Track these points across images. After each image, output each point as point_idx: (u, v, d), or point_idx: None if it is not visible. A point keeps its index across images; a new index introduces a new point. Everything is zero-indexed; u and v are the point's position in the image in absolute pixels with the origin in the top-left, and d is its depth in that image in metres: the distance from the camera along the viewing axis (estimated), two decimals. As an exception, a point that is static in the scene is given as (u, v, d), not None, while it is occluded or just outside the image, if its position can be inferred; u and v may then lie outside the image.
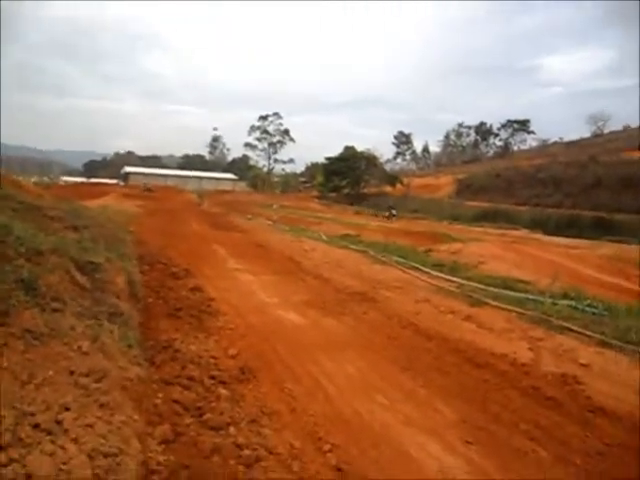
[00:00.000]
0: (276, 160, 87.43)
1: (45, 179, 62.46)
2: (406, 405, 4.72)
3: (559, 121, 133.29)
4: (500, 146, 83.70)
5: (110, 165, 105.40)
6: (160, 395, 3.99)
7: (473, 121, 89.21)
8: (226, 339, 6.03)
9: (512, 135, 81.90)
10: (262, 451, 3.48)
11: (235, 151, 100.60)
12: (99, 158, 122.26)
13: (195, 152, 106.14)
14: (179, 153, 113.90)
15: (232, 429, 3.70)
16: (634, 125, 62.07)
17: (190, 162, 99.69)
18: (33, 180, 41.47)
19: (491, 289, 9.10)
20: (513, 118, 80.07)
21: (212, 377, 4.65)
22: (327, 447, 3.74)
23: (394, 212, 38.14)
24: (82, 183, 62.47)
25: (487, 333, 6.93)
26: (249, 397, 4.47)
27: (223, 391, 4.41)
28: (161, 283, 8.39)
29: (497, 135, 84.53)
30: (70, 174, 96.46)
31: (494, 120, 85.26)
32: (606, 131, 66.68)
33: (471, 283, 9.71)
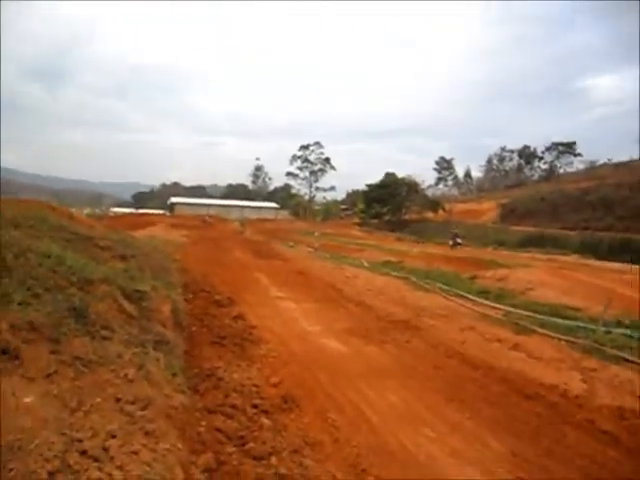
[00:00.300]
0: (317, 188, 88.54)
1: (97, 210, 64.97)
2: (453, 437, 4.57)
3: (607, 142, 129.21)
4: (545, 169, 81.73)
5: (157, 196, 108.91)
6: (203, 423, 4.00)
7: (516, 145, 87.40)
8: (268, 367, 6.03)
9: (557, 158, 79.86)
10: (305, 483, 3.43)
11: (277, 180, 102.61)
12: (147, 189, 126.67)
13: (238, 182, 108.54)
14: (223, 183, 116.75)
15: (274, 459, 3.67)
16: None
17: (233, 192, 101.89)
18: (86, 212, 43.21)
19: (539, 316, 8.81)
20: (558, 140, 78.33)
21: (254, 406, 4.64)
22: (370, 479, 3.66)
23: (459, 240, 33.78)
24: (131, 214, 64.64)
25: (536, 362, 6.67)
26: (291, 427, 4.43)
27: (265, 420, 4.39)
28: (205, 311, 8.51)
29: (542, 158, 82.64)
30: (120, 205, 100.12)
31: (538, 143, 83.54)
32: (658, 151, 64.55)
33: (518, 310, 9.43)
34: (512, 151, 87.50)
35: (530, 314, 9.03)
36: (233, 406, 4.48)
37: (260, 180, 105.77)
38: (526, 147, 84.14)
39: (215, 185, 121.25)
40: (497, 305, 10.12)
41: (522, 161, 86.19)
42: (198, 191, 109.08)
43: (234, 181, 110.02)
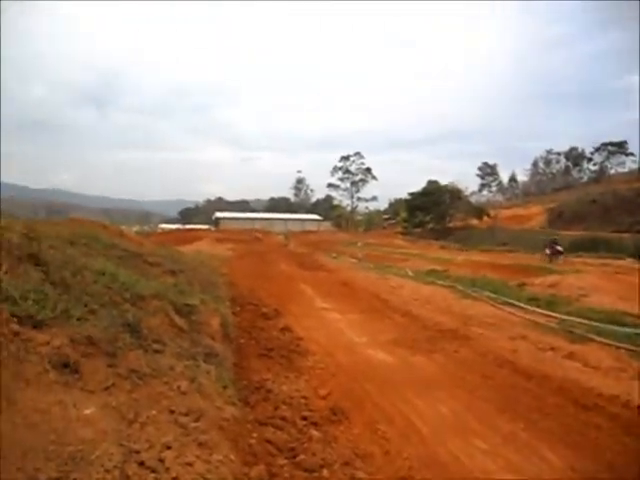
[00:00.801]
0: (359, 199, 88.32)
1: (145, 228, 67.12)
2: (507, 449, 4.43)
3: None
4: (594, 171, 79.04)
5: (202, 212, 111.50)
6: (254, 435, 4.04)
7: (562, 147, 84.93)
8: (316, 379, 6.04)
9: (608, 158, 77.14)
10: (357, 496, 3.41)
11: (319, 192, 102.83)
12: (191, 205, 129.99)
13: (281, 195, 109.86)
14: (265, 197, 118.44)
15: (325, 471, 3.66)
16: None
17: (276, 205, 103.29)
18: (134, 229, 44.67)
19: (595, 324, 8.46)
20: (607, 140, 75.54)
21: (304, 418, 4.65)
22: (424, 493, 3.60)
23: (559, 248, 27.49)
24: (177, 230, 66.39)
25: (593, 372, 6.40)
26: (341, 438, 4.41)
27: (315, 432, 4.39)
28: (252, 324, 8.61)
29: (590, 159, 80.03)
30: (167, 222, 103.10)
31: (586, 144, 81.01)
32: None
33: (572, 318, 9.09)
34: (559, 153, 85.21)
35: (585, 321, 8.70)
36: (283, 418, 4.51)
37: (302, 192, 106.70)
38: (573, 149, 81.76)
39: (258, 199, 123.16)
40: (549, 313, 9.80)
41: (569, 163, 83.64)
42: (241, 205, 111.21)
43: (276, 194, 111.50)
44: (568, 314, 9.46)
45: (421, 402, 5.49)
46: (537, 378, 6.30)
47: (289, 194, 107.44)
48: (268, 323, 8.80)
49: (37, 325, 3.02)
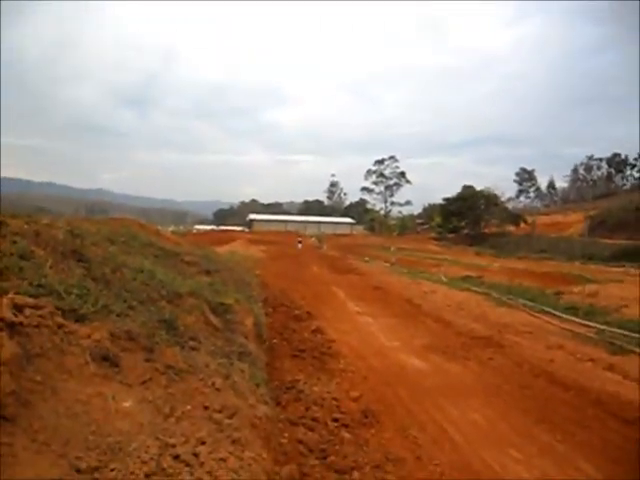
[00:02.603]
0: (392, 203, 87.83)
1: (181, 228, 68.26)
2: (543, 460, 4.33)
3: None
4: (638, 178, 76.44)
5: (236, 213, 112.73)
6: (286, 435, 4.07)
7: (604, 153, 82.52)
8: (347, 381, 6.03)
9: (653, 164, 74.62)
10: (388, 500, 3.38)
11: (352, 195, 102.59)
12: (226, 207, 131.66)
13: (314, 198, 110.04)
14: (299, 199, 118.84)
15: (356, 474, 3.66)
16: None
17: (309, 207, 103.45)
18: (170, 229, 45.48)
19: (636, 335, 8.18)
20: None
21: (335, 419, 4.66)
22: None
23: None
24: (212, 230, 67.31)
25: (635, 385, 6.20)
26: (372, 442, 4.39)
27: (346, 434, 4.39)
28: (284, 325, 8.67)
29: (634, 166, 77.45)
30: (202, 223, 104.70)
31: (629, 150, 78.43)
32: None
33: (612, 329, 8.81)
34: (600, 159, 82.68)
35: (626, 333, 8.42)
36: (314, 419, 4.52)
37: (336, 196, 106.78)
38: (616, 155, 79.23)
39: (292, 202, 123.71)
40: (588, 323, 9.53)
41: (612, 169, 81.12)
42: (275, 208, 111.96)
43: (310, 197, 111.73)
44: (607, 324, 9.19)
45: (454, 409, 5.42)
46: (575, 389, 6.14)
47: (323, 197, 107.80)
48: (300, 325, 8.84)
49: (79, 319, 3.11)
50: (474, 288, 14.84)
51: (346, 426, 4.59)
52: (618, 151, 79.43)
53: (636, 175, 77.18)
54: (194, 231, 66.25)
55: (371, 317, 10.62)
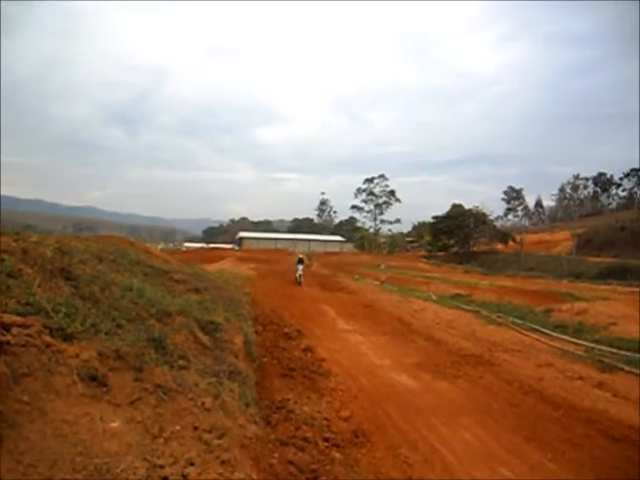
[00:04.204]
0: (382, 221, 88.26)
1: (170, 245, 67.89)
2: (534, 479, 4.32)
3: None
4: (624, 197, 77.56)
5: (226, 231, 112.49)
6: (276, 455, 4.02)
7: (590, 172, 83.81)
8: (338, 401, 5.99)
9: (638, 184, 75.71)
10: (379, 521, 3.34)
11: (342, 213, 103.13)
12: (215, 224, 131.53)
13: (304, 216, 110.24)
14: (289, 217, 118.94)
15: (347, 495, 3.61)
16: None
17: (299, 226, 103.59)
18: (160, 247, 45.21)
19: (625, 353, 8.23)
20: (637, 166, 74.12)
21: (325, 439, 4.62)
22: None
23: None
24: (202, 248, 66.93)
25: (623, 403, 6.24)
26: (363, 462, 4.36)
27: (337, 454, 4.35)
28: (274, 343, 8.61)
29: (620, 185, 78.66)
30: (191, 240, 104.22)
31: (614, 170, 79.78)
32: None
33: (601, 346, 8.87)
34: (587, 179, 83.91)
35: (614, 350, 8.48)
36: (304, 439, 4.48)
37: (325, 214, 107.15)
38: (602, 174, 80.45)
39: (282, 220, 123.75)
40: (577, 340, 9.58)
41: (598, 189, 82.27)
42: (265, 225, 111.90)
43: (300, 215, 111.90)
44: (596, 342, 9.25)
45: (445, 428, 5.40)
46: (565, 407, 6.16)
47: (313, 215, 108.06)
48: (290, 343, 8.78)
49: (67, 338, 3.08)
50: (463, 306, 14.87)
51: (337, 446, 4.55)
52: (604, 170, 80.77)
53: (621, 194, 78.29)
54: (183, 249, 65.87)
55: (361, 335, 10.59)
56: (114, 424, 2.67)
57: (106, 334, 3.44)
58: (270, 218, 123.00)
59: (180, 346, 4.20)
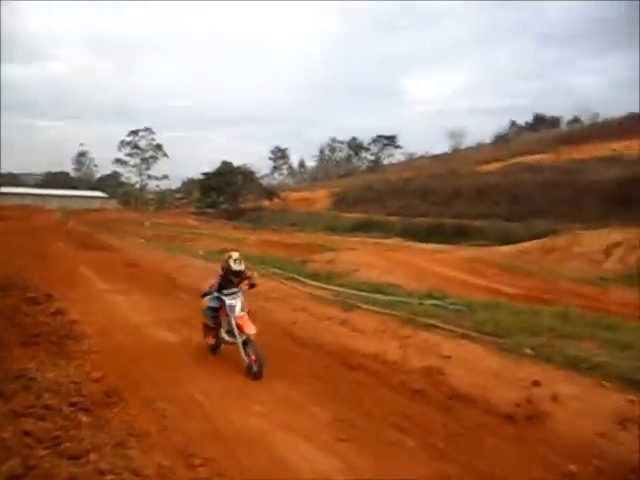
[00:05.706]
0: (149, 176, 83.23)
1: None
2: (282, 411, 4.75)
3: (424, 137, 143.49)
4: (371, 160, 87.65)
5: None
6: (10, 428, 3.60)
7: (346, 137, 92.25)
8: (90, 363, 5.64)
9: (382, 149, 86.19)
10: (127, 474, 3.28)
11: (104, 167, 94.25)
12: None
13: (59, 169, 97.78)
14: (39, 170, 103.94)
15: (93, 456, 3.43)
16: (486, 141, 68.82)
17: (53, 180, 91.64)
18: None
19: (364, 294, 9.44)
20: (382, 134, 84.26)
21: (72, 404, 4.31)
22: (198, 462, 3.65)
23: None
24: None
25: (360, 335, 7.17)
26: (115, 421, 4.21)
27: (84, 418, 4.10)
28: (16, 309, 7.64)
29: (368, 149, 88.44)
30: None
31: (365, 136, 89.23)
32: (463, 146, 72.61)
33: (346, 290, 10.00)
34: (342, 142, 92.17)
35: (356, 292, 9.66)
36: (46, 407, 4.10)
37: (84, 167, 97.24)
38: (354, 139, 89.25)
39: (29, 173, 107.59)
40: (326, 286, 10.64)
41: (351, 152, 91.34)
42: (7, 179, 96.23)
43: (53, 168, 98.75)
44: (343, 286, 10.39)
45: (205, 379, 5.53)
46: (313, 345, 6.87)
47: (69, 169, 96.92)
48: (35, 308, 7.88)
49: None
50: (229, 260, 15.21)
51: (85, 409, 4.28)
52: (356, 135, 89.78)
53: (370, 158, 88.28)
54: None
55: (123, 295, 10.08)
56: None
57: None
58: (14, 171, 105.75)
59: None
